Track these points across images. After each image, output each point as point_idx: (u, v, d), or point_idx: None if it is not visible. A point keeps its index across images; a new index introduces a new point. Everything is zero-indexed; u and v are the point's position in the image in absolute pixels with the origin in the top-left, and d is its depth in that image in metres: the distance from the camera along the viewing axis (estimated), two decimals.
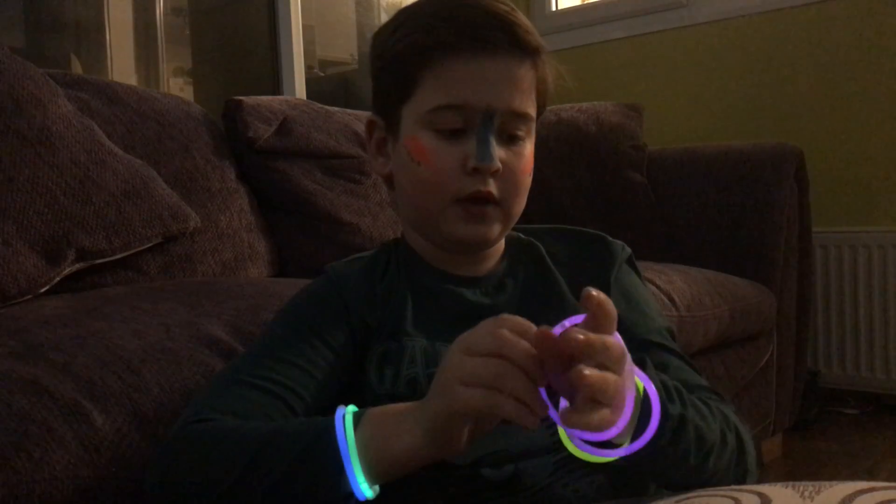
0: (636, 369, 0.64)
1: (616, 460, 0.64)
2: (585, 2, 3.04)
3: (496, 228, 0.82)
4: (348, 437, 0.65)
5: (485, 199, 0.79)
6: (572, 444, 0.63)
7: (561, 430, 0.64)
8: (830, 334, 2.43)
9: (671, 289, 1.65)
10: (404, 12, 0.83)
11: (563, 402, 0.62)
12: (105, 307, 1.00)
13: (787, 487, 0.57)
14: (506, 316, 0.61)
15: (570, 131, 2.22)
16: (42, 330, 0.89)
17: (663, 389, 0.68)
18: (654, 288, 1.62)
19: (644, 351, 0.79)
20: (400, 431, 0.64)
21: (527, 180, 0.83)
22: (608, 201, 2.17)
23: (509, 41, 0.77)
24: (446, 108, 0.78)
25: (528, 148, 0.82)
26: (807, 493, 0.55)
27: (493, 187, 0.79)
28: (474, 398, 0.59)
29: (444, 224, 0.81)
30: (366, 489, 0.64)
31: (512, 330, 0.59)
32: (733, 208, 2.06)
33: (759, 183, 2.04)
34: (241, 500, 0.67)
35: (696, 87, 2.66)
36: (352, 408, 0.69)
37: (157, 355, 0.86)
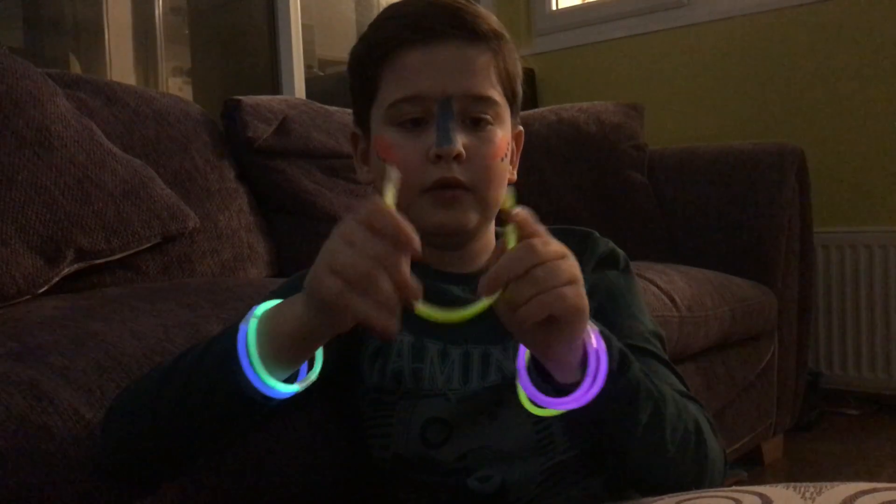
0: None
1: (569, 412, 0.65)
2: (585, 2, 3.04)
3: (472, 216, 0.81)
4: (249, 331, 0.64)
5: (452, 185, 0.79)
6: (529, 400, 0.65)
7: (519, 388, 0.66)
8: (832, 335, 2.42)
9: (672, 289, 1.64)
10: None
11: (521, 362, 0.66)
12: (104, 308, 1.00)
13: (788, 488, 0.57)
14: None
15: (570, 131, 2.21)
16: (41, 331, 0.88)
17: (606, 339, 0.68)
18: (654, 288, 1.62)
19: None
20: (286, 310, 0.64)
21: (499, 167, 0.81)
22: (609, 201, 2.17)
23: (457, 26, 0.79)
24: (403, 101, 0.79)
25: (499, 134, 0.81)
26: (808, 495, 0.55)
27: (458, 173, 0.78)
28: (332, 291, 0.57)
29: (417, 216, 0.80)
30: (265, 376, 0.63)
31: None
32: (734, 208, 2.06)
33: (759, 183, 2.04)
34: (178, 430, 0.69)
35: (697, 87, 2.66)
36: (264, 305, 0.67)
37: (155, 357, 0.85)
